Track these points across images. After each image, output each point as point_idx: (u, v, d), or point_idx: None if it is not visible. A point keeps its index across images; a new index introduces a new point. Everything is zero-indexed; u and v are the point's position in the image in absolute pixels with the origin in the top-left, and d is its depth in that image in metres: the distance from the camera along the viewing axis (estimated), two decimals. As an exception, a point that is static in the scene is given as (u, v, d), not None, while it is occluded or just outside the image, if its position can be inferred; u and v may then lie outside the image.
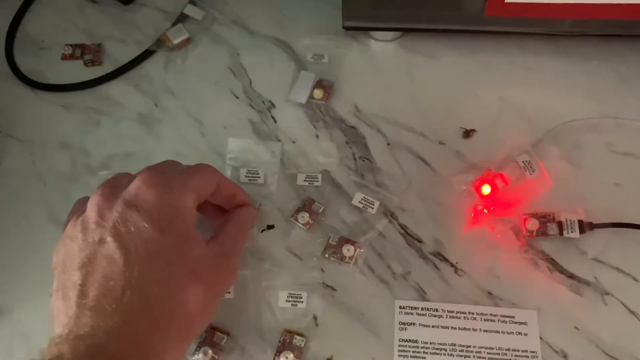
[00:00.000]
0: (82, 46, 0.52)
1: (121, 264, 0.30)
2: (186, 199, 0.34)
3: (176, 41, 0.51)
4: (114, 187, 0.34)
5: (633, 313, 0.38)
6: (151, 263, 0.31)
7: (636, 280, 0.39)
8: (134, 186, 0.33)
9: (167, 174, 0.34)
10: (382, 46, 0.51)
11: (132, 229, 0.31)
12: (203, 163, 0.38)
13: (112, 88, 0.51)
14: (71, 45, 0.52)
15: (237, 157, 0.46)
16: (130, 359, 0.29)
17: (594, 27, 0.46)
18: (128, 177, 0.35)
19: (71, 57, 0.52)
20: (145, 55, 0.51)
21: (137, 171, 0.35)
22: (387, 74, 0.49)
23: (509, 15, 0.45)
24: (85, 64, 0.51)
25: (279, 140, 0.47)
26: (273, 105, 0.49)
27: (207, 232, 0.38)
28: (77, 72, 0.51)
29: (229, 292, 0.40)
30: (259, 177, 0.44)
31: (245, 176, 0.45)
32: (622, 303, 0.39)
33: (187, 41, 0.52)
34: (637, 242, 0.40)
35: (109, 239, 0.31)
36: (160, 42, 0.52)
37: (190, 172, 0.36)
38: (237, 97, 0.49)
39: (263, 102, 0.49)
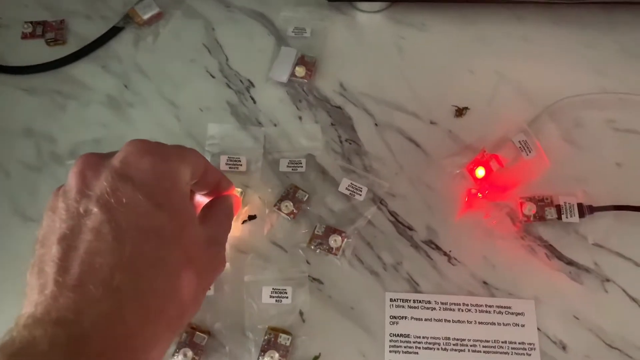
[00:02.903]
0: (43, 23, 0.48)
1: (110, 240, 0.26)
2: (183, 172, 0.30)
3: (146, 16, 0.47)
4: (100, 155, 0.30)
5: (634, 300, 0.37)
6: (145, 241, 0.27)
7: (638, 265, 0.37)
8: (125, 152, 0.29)
9: (160, 143, 0.31)
10: (369, 18, 0.47)
11: (124, 200, 0.27)
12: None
13: (78, 69, 0.47)
14: (31, 22, 0.48)
15: (218, 143, 0.43)
16: (117, 353, 0.25)
17: (596, -6, 0.43)
18: (114, 152, 0.30)
19: (32, 35, 0.48)
20: (113, 32, 0.48)
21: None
22: (374, 48, 0.46)
23: (504, -17, 0.42)
24: (48, 43, 0.47)
25: (259, 123, 0.44)
26: (252, 84, 0.45)
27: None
28: (39, 52, 0.47)
29: (209, 288, 0.37)
30: (241, 165, 0.41)
31: (226, 163, 0.42)
32: (623, 290, 0.37)
33: (157, 16, 0.48)
34: (639, 225, 0.38)
35: (95, 210, 0.27)
36: (128, 18, 0.48)
37: (182, 147, 0.32)
38: (213, 76, 0.46)
39: (241, 81, 0.45)
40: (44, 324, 0.24)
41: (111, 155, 0.30)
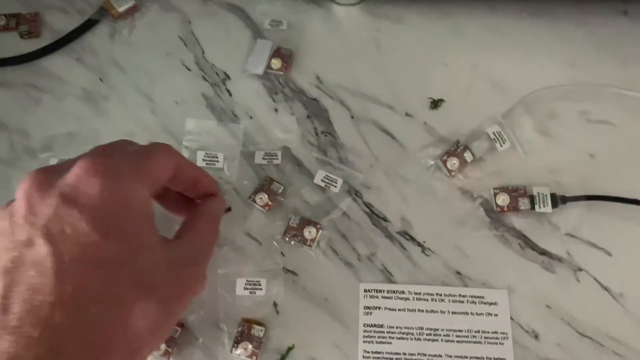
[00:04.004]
0: (16, 16, 0.47)
1: (51, 275, 0.25)
2: (138, 189, 0.28)
3: (121, 9, 0.47)
4: (50, 173, 0.28)
5: (606, 289, 0.37)
6: (89, 275, 0.25)
7: (609, 254, 0.38)
8: (73, 175, 0.27)
9: (114, 157, 0.29)
10: (346, 11, 0.47)
11: (68, 230, 0.26)
12: (158, 142, 0.32)
13: (53, 62, 0.46)
14: (5, 15, 0.47)
15: (195, 139, 0.42)
16: None
17: (569, -14, 0.43)
18: (69, 163, 0.28)
19: (5, 28, 0.47)
20: (88, 25, 0.47)
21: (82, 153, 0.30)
22: (351, 41, 0.46)
23: (478, -25, 0.42)
24: (22, 35, 0.47)
25: (235, 116, 0.43)
26: (228, 77, 0.45)
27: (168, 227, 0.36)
28: (13, 45, 0.47)
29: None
30: (218, 161, 0.41)
31: (203, 159, 0.41)
32: (595, 279, 0.37)
33: (133, 9, 0.48)
34: (611, 215, 0.39)
35: (38, 240, 0.25)
36: (104, 11, 0.47)
37: (143, 154, 0.30)
38: (189, 69, 0.45)
39: (217, 73, 0.45)
40: None
41: (62, 171, 0.28)
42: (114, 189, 0.27)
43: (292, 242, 0.39)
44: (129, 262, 0.27)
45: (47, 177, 0.28)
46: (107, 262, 0.26)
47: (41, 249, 0.25)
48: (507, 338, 0.36)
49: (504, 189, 0.39)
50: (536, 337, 0.36)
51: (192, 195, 0.35)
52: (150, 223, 0.29)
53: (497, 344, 0.36)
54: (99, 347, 0.25)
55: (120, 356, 0.26)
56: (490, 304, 0.37)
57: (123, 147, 0.31)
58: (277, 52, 0.45)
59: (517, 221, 0.39)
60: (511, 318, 0.36)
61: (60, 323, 0.24)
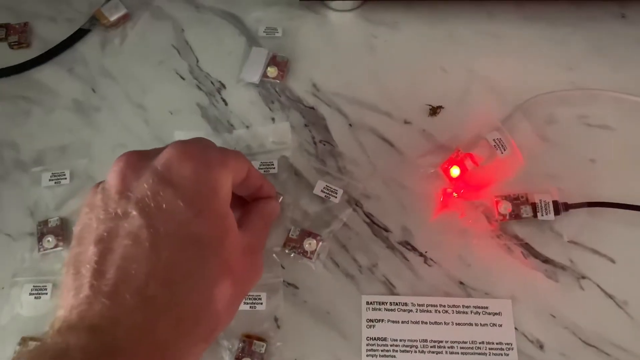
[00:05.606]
0: (6, 26, 0.46)
1: (147, 246, 0.26)
2: (225, 178, 0.29)
3: (113, 18, 0.46)
4: (143, 155, 0.29)
5: (610, 296, 0.36)
6: (182, 250, 0.26)
7: (613, 261, 0.37)
8: (167, 155, 0.28)
9: (204, 147, 0.30)
10: (341, 17, 0.47)
11: (164, 206, 0.26)
12: (231, 149, 0.34)
13: (43, 73, 0.45)
14: (-7, 25, 0.46)
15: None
16: None
17: (566, -10, 0.43)
18: (159, 149, 0.30)
19: (-6, 39, 0.46)
20: (79, 35, 0.46)
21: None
22: (346, 47, 0.45)
23: (475, -20, 0.42)
24: (11, 46, 0.46)
25: (231, 125, 0.43)
26: (223, 86, 0.44)
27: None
28: (2, 56, 0.46)
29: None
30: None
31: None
32: (599, 286, 0.37)
33: (125, 18, 0.47)
34: (613, 221, 0.38)
35: (134, 213, 0.26)
36: (95, 20, 0.46)
37: (227, 151, 0.31)
38: (183, 78, 0.45)
39: (212, 82, 0.44)
40: (77, 331, 0.24)
41: (153, 155, 0.29)
42: (206, 175, 0.28)
43: (292, 255, 0.38)
44: (217, 242, 0.28)
45: (140, 159, 0.29)
46: (199, 240, 0.27)
47: (136, 220, 0.26)
48: (512, 349, 0.35)
49: (505, 197, 0.39)
50: (541, 347, 0.35)
51: (250, 199, 0.36)
52: (230, 210, 0.30)
53: (502, 355, 0.35)
54: (189, 321, 0.26)
55: (204, 332, 0.27)
56: (494, 314, 0.36)
57: (207, 141, 0.32)
58: (272, 60, 0.44)
59: (519, 229, 0.38)
60: (515, 328, 0.36)
61: (155, 293, 0.25)
